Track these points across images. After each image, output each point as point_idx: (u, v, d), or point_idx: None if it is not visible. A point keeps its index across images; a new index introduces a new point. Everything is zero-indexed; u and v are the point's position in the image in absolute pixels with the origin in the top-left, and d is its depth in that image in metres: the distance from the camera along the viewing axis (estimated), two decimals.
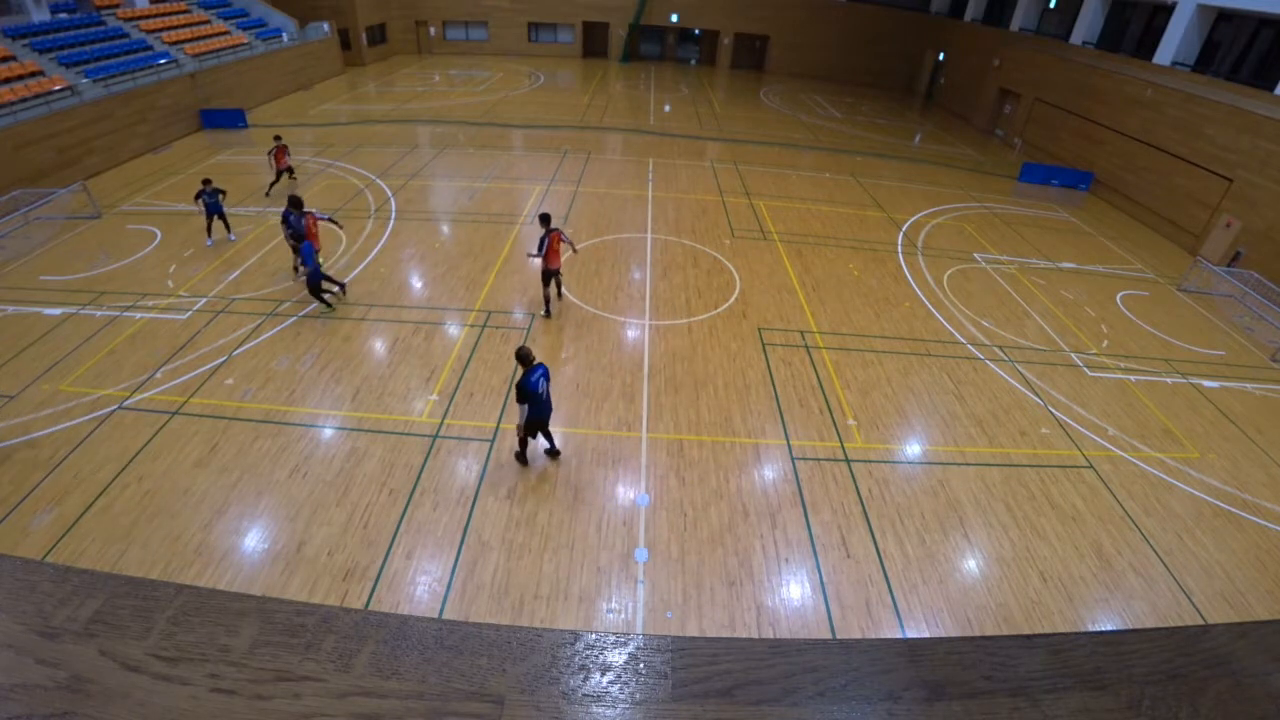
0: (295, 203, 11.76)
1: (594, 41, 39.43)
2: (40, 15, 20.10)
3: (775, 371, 10.76)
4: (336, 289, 11.88)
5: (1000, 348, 12.05)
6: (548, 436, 8.41)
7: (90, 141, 17.80)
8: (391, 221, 15.41)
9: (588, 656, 0.84)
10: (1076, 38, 24.93)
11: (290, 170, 16.90)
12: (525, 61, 37.46)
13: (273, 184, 16.65)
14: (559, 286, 12.03)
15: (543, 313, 11.84)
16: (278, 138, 16.65)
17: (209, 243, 13.86)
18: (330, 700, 0.77)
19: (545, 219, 11.22)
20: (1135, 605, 7.29)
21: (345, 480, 8.08)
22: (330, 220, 12.22)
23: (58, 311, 11.13)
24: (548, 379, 7.79)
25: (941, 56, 35.02)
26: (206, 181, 13.55)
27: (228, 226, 14.05)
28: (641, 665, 0.83)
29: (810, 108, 31.38)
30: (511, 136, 23.14)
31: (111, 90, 18.85)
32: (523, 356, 7.65)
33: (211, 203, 13.51)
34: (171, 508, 7.56)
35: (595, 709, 0.78)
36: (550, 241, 11.02)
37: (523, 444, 8.19)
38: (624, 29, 38.39)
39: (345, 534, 7.35)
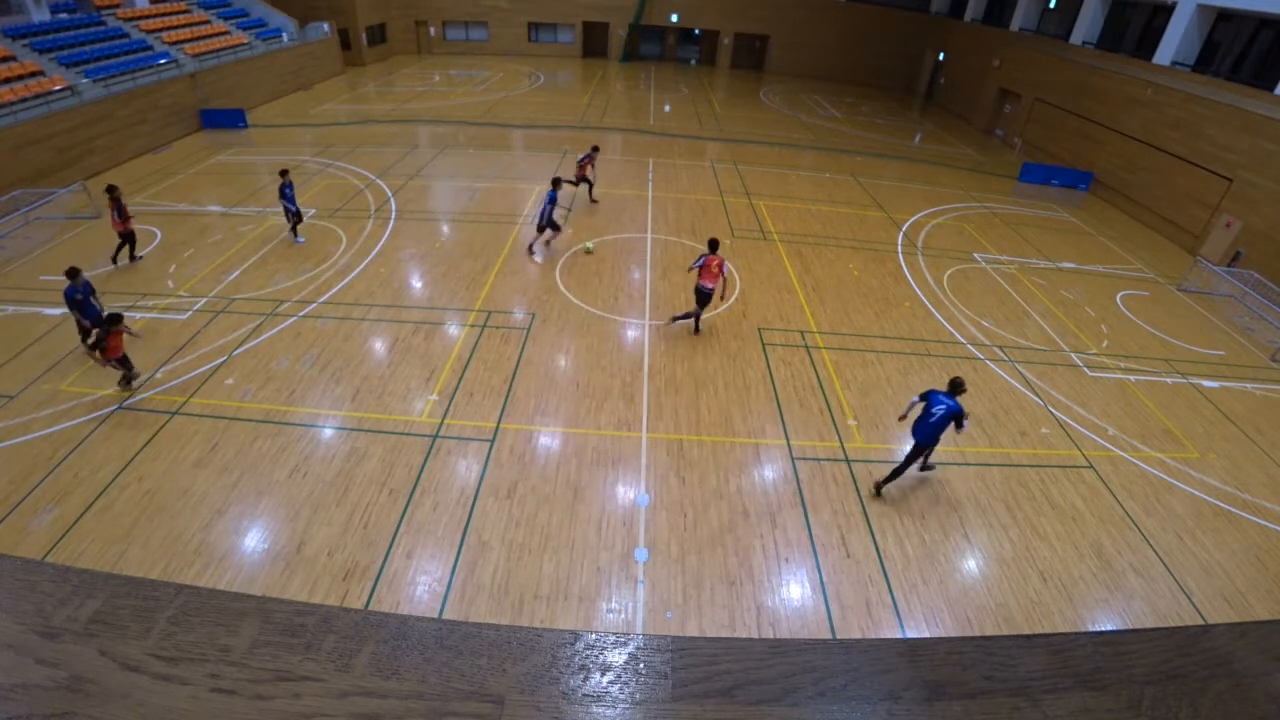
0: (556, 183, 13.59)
1: (594, 41, 39.42)
2: (40, 15, 20.10)
3: (775, 371, 10.75)
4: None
5: (1000, 348, 12.05)
6: (922, 464, 8.55)
7: (90, 141, 17.80)
8: (391, 221, 15.41)
9: (588, 656, 0.84)
10: (1076, 38, 24.92)
11: (587, 180, 16.61)
12: (525, 61, 37.45)
13: (580, 180, 16.53)
14: (699, 315, 11.37)
15: (692, 330, 11.59)
16: (595, 148, 16.60)
17: (300, 240, 14.00)
18: (330, 700, 0.77)
19: (713, 244, 10.93)
20: (1135, 605, 7.29)
21: (345, 480, 8.08)
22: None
23: (58, 312, 11.12)
24: (949, 417, 7.67)
25: (941, 56, 35.02)
26: (284, 173, 13.44)
27: (294, 228, 13.99)
28: (641, 665, 0.83)
29: (810, 108, 31.37)
30: (511, 136, 23.14)
31: (111, 90, 18.85)
32: (954, 384, 7.92)
33: (290, 195, 13.40)
34: (171, 508, 7.56)
35: (595, 709, 0.78)
36: (707, 263, 10.70)
37: (898, 472, 8.13)
38: (624, 29, 38.39)
39: (345, 534, 7.35)
